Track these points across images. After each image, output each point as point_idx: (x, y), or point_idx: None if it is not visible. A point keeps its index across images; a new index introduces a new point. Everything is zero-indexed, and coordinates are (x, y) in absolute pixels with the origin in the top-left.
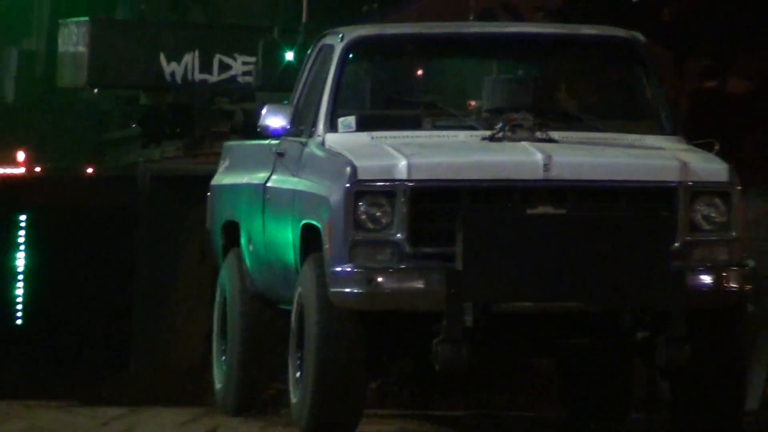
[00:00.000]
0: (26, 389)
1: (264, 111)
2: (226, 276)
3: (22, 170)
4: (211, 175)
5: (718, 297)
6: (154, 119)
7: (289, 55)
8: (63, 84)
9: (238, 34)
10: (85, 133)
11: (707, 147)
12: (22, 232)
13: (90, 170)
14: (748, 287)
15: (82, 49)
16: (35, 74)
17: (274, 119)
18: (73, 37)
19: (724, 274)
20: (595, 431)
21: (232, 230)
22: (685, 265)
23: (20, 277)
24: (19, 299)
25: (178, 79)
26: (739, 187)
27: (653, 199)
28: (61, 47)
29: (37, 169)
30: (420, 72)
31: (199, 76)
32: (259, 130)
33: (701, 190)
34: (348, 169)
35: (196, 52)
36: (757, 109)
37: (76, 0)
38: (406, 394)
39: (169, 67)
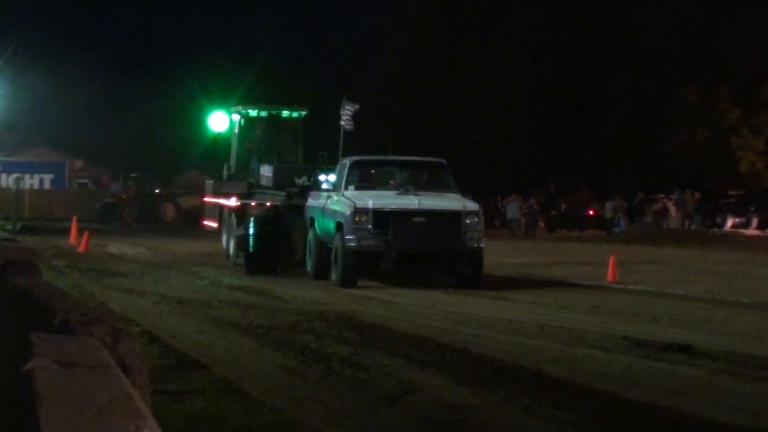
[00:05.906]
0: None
1: (321, 180)
2: (311, 235)
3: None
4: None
5: (474, 248)
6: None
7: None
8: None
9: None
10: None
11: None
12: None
13: (269, 204)
14: (483, 246)
15: (268, 174)
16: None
17: (325, 184)
18: (266, 168)
19: (476, 242)
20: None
21: (312, 220)
22: (465, 239)
23: (252, 234)
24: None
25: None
26: (482, 213)
27: (454, 217)
28: (262, 171)
29: (252, 203)
30: (375, 170)
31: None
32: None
33: (468, 213)
34: (353, 203)
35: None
36: None
37: None
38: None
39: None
